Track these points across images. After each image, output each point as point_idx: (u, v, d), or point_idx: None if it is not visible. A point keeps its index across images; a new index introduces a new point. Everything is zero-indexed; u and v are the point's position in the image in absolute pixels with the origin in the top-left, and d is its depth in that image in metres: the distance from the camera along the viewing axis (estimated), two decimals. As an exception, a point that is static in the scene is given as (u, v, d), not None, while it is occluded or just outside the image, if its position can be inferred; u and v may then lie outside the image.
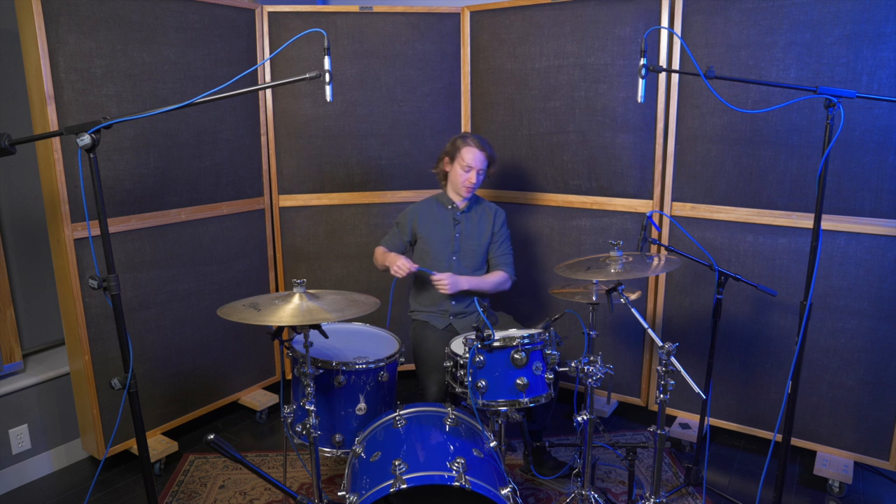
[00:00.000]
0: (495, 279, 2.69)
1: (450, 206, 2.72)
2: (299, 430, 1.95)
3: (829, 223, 2.53)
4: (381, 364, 2.19)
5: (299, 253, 3.34)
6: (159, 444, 2.78)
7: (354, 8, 3.13)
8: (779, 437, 2.11)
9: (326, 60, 1.75)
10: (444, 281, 2.51)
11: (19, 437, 2.66)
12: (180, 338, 2.91)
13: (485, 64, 3.24)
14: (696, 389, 1.84)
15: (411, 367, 2.77)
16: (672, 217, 2.88)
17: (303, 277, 2.51)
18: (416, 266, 2.53)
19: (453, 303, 2.68)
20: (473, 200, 2.76)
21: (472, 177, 2.61)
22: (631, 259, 2.17)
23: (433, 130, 3.33)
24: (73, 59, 2.41)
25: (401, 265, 2.48)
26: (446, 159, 2.68)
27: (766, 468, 2.12)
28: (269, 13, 3.08)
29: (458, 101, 3.36)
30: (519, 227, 3.27)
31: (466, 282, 2.60)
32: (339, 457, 2.18)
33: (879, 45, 2.35)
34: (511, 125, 3.22)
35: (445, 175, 2.72)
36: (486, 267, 2.77)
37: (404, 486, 1.70)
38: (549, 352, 2.04)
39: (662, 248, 2.63)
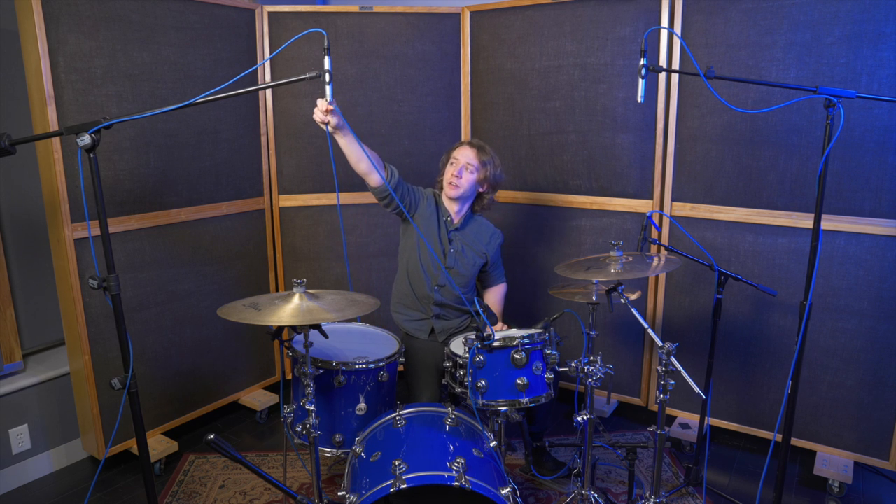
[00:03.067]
0: (502, 297, 2.75)
1: (445, 218, 2.60)
2: (299, 430, 1.95)
3: (829, 223, 2.53)
4: (381, 364, 2.19)
5: (299, 253, 3.33)
6: (159, 444, 2.78)
7: (354, 8, 3.13)
8: (779, 437, 2.11)
9: (326, 60, 1.75)
10: None
11: (19, 437, 2.66)
12: (180, 338, 2.91)
13: (485, 64, 3.24)
14: (696, 389, 1.85)
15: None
16: (672, 217, 2.88)
17: (303, 277, 2.50)
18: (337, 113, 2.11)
19: (434, 307, 2.59)
20: (468, 216, 2.63)
21: (455, 170, 2.51)
22: (631, 259, 2.17)
23: (433, 130, 3.33)
24: (73, 59, 2.41)
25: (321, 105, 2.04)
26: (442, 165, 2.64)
27: (766, 468, 2.12)
28: (269, 13, 3.08)
29: (458, 101, 3.36)
30: (519, 226, 3.27)
31: (500, 326, 2.54)
32: (339, 457, 2.18)
33: (879, 45, 2.35)
34: (511, 125, 3.22)
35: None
36: (474, 282, 2.70)
37: (404, 486, 1.70)
38: (549, 352, 2.04)
39: (662, 248, 2.63)
